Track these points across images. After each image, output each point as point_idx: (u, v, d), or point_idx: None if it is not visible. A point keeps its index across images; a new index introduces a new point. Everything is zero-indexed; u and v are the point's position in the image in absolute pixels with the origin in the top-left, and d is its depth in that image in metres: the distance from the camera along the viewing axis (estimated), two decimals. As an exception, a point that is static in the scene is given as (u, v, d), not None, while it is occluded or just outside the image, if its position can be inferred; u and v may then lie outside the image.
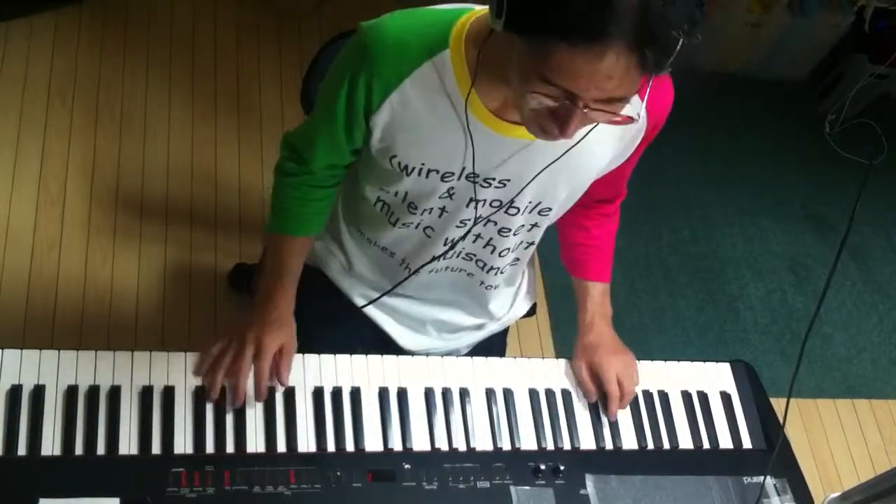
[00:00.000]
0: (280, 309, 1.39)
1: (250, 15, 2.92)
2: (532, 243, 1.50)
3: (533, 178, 1.30)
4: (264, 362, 1.33)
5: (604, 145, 1.30)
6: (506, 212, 1.37)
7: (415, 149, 1.27)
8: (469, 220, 1.39)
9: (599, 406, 1.48)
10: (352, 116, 1.27)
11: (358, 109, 1.26)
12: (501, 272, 1.53)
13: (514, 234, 1.44)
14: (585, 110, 1.04)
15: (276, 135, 2.67)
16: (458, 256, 1.48)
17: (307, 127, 1.38)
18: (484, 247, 1.45)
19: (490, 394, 1.44)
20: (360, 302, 1.58)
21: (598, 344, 1.51)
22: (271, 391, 1.34)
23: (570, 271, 1.59)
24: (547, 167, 1.29)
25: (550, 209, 1.40)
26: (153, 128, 2.62)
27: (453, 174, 1.30)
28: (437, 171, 1.30)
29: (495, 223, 1.40)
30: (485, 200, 1.35)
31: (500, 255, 1.47)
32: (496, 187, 1.32)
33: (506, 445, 1.39)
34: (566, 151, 1.26)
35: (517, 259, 1.52)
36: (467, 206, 1.36)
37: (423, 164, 1.29)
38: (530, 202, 1.37)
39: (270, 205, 1.46)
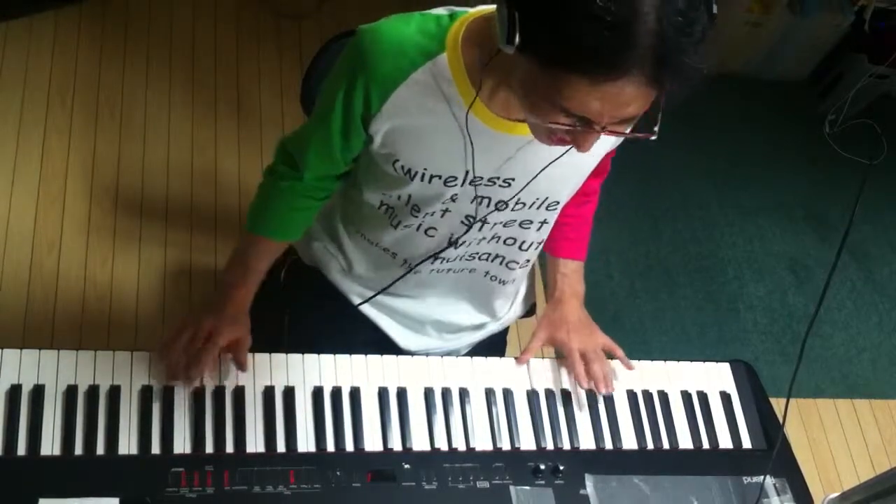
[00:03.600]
0: (237, 306, 1.41)
1: (250, 15, 2.92)
2: (541, 243, 1.50)
3: (537, 175, 1.30)
4: (214, 348, 1.34)
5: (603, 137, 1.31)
6: (511, 209, 1.37)
7: (416, 153, 1.27)
8: (472, 218, 1.39)
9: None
10: (349, 122, 1.27)
11: (356, 114, 1.25)
12: (510, 267, 1.51)
13: (522, 227, 1.42)
14: (601, 132, 1.05)
15: (276, 135, 2.68)
16: (461, 259, 1.48)
17: (302, 132, 1.37)
18: (489, 241, 1.45)
19: (490, 394, 1.44)
20: (357, 301, 1.58)
21: (564, 320, 1.52)
22: (270, 392, 1.35)
23: (543, 247, 1.58)
24: (552, 163, 1.29)
25: (558, 202, 1.40)
26: (153, 128, 2.62)
27: (456, 178, 1.30)
28: (440, 177, 1.29)
29: (502, 221, 1.40)
30: (489, 199, 1.35)
31: (506, 244, 1.46)
32: (501, 186, 1.32)
33: (505, 445, 1.39)
34: (569, 148, 1.26)
35: (528, 260, 1.52)
36: (471, 203, 1.36)
37: (425, 169, 1.29)
38: (537, 199, 1.37)
39: (253, 202, 1.46)
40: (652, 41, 0.94)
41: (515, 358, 1.50)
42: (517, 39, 0.99)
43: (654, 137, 1.08)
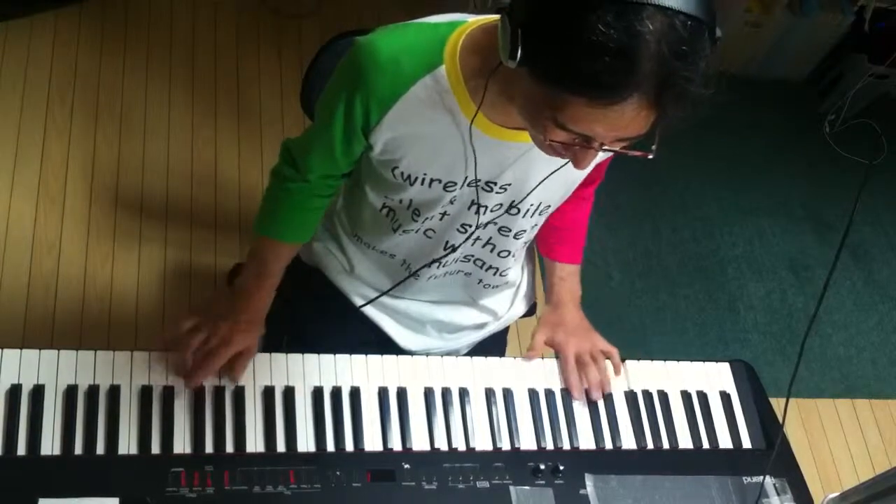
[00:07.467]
0: (253, 311, 1.40)
1: (250, 15, 2.92)
2: (527, 242, 1.51)
3: (536, 187, 1.31)
4: (224, 357, 1.33)
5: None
6: (507, 212, 1.38)
7: (417, 160, 1.28)
8: (471, 225, 1.39)
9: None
10: (350, 133, 1.27)
11: (356, 127, 1.26)
12: (502, 275, 1.53)
13: (516, 238, 1.44)
14: (600, 149, 1.06)
15: (276, 135, 2.68)
16: (457, 261, 1.49)
17: (305, 138, 1.38)
18: (483, 246, 1.46)
19: (490, 394, 1.44)
20: (358, 302, 1.58)
21: (561, 322, 1.54)
22: (270, 392, 1.35)
23: (541, 251, 1.62)
24: (549, 175, 1.29)
25: (549, 206, 1.41)
26: (153, 128, 2.62)
27: (456, 184, 1.30)
28: (440, 181, 1.30)
29: (496, 224, 1.40)
30: (486, 206, 1.35)
31: (499, 256, 1.48)
32: (498, 192, 1.33)
33: (505, 445, 1.39)
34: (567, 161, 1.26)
35: (515, 260, 1.53)
36: (469, 209, 1.36)
37: (425, 175, 1.29)
38: (532, 205, 1.37)
39: (262, 205, 1.45)
40: (653, 67, 0.94)
41: (524, 356, 1.50)
42: (518, 55, 1.00)
43: (650, 157, 1.08)
